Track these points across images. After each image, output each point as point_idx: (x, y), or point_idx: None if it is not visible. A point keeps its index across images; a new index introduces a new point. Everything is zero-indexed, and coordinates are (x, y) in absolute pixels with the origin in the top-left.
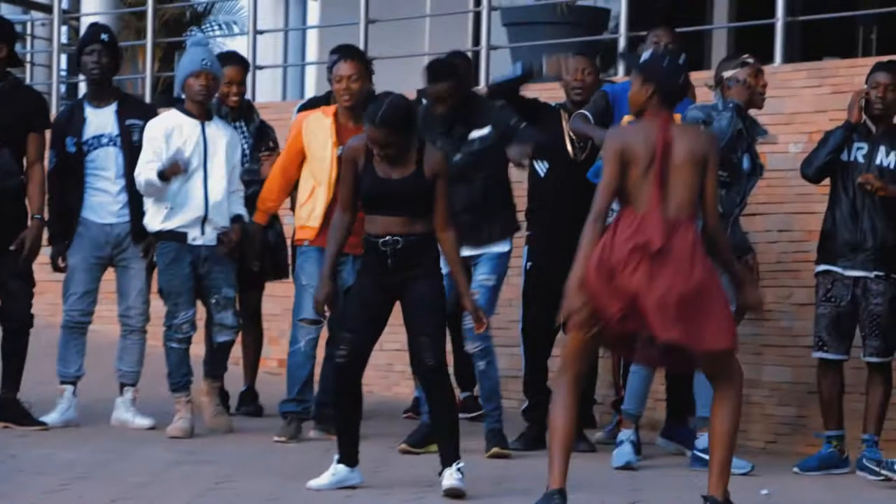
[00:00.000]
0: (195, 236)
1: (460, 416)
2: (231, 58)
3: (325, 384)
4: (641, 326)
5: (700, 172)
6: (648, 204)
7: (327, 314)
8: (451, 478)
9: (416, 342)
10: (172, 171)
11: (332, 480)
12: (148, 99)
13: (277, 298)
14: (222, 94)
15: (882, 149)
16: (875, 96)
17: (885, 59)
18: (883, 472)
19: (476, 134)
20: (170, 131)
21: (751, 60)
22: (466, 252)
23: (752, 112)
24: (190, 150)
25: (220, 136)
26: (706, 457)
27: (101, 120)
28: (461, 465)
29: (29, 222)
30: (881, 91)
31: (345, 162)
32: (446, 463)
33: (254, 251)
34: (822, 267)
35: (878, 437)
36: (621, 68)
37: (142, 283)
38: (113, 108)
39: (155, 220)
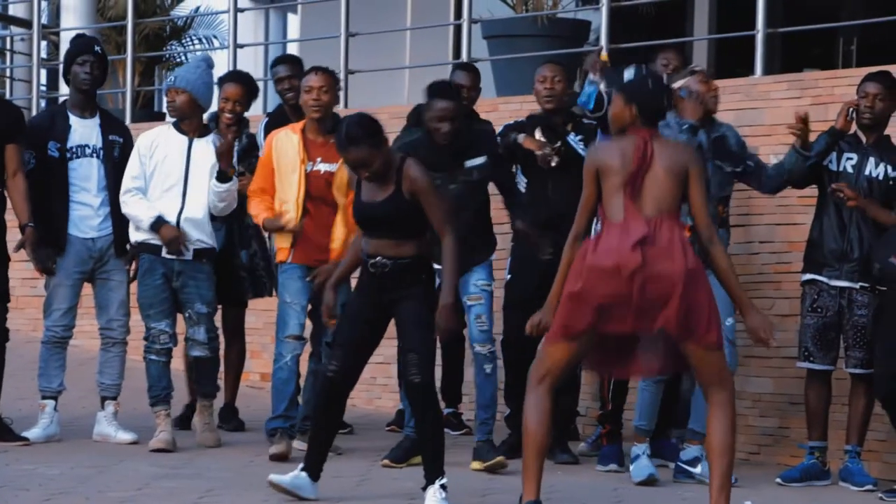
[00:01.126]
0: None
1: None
2: (231, 76)
3: (308, 397)
4: (631, 325)
5: (681, 184)
6: (625, 209)
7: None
8: (433, 497)
9: (404, 358)
10: (165, 235)
11: (292, 481)
12: (128, 114)
13: (259, 312)
14: (219, 110)
15: (871, 160)
16: (864, 106)
17: (873, 69)
18: None
19: (472, 163)
20: (155, 146)
21: (698, 68)
22: None
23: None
24: (170, 165)
25: (208, 154)
26: (691, 469)
27: (86, 130)
28: (444, 481)
29: (21, 233)
30: (870, 101)
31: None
32: (430, 479)
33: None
34: (808, 276)
35: (860, 448)
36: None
37: (122, 295)
38: (96, 120)
39: (133, 230)
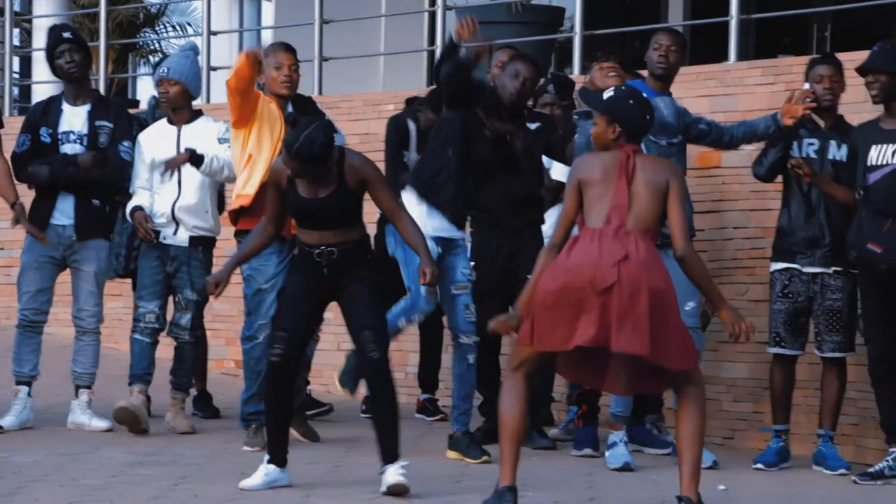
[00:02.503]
0: (166, 235)
1: (419, 417)
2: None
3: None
4: (598, 341)
5: (661, 199)
6: (605, 218)
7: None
8: (395, 474)
9: (358, 337)
10: (141, 229)
11: (265, 480)
12: None
13: (234, 300)
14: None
15: (833, 143)
16: (823, 89)
17: (848, 55)
18: None
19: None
20: (149, 142)
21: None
22: (446, 234)
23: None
24: (163, 157)
25: (195, 137)
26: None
27: (74, 117)
28: (404, 463)
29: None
30: (827, 83)
31: (269, 183)
32: (389, 460)
33: None
34: (781, 265)
35: (833, 433)
36: (577, 66)
37: (92, 284)
38: (87, 108)
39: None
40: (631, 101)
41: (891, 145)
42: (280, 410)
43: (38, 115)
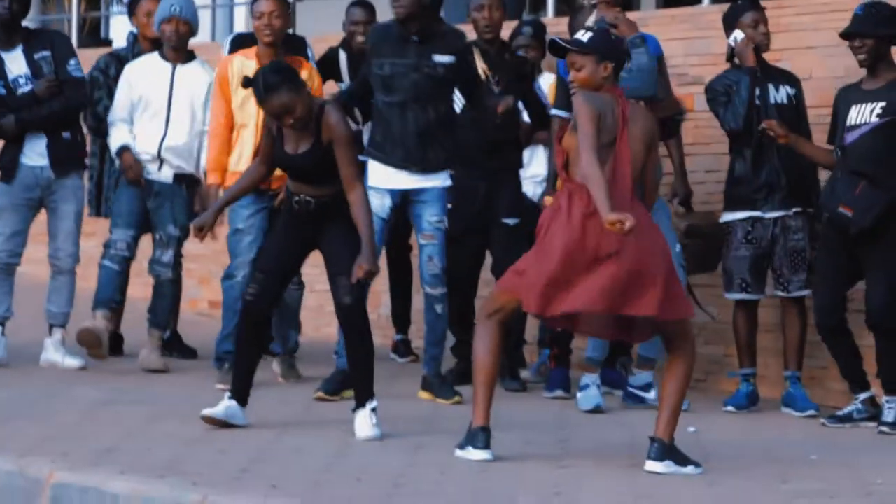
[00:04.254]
0: (150, 170)
1: (393, 357)
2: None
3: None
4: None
5: (646, 151)
6: (611, 176)
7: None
8: (367, 427)
9: (334, 282)
10: (130, 170)
11: (224, 411)
12: (74, 41)
13: (206, 241)
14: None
15: (770, 87)
16: (762, 35)
17: None
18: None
19: (440, 59)
20: (138, 75)
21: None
22: (412, 182)
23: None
24: (155, 93)
25: (190, 80)
26: (643, 394)
27: (14, 62)
28: (375, 405)
29: None
30: (765, 27)
31: (265, 128)
32: (360, 402)
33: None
34: (743, 213)
35: (800, 374)
36: (551, 9)
37: (71, 224)
38: (20, 48)
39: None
40: (613, 37)
41: (870, 104)
42: (249, 349)
43: None
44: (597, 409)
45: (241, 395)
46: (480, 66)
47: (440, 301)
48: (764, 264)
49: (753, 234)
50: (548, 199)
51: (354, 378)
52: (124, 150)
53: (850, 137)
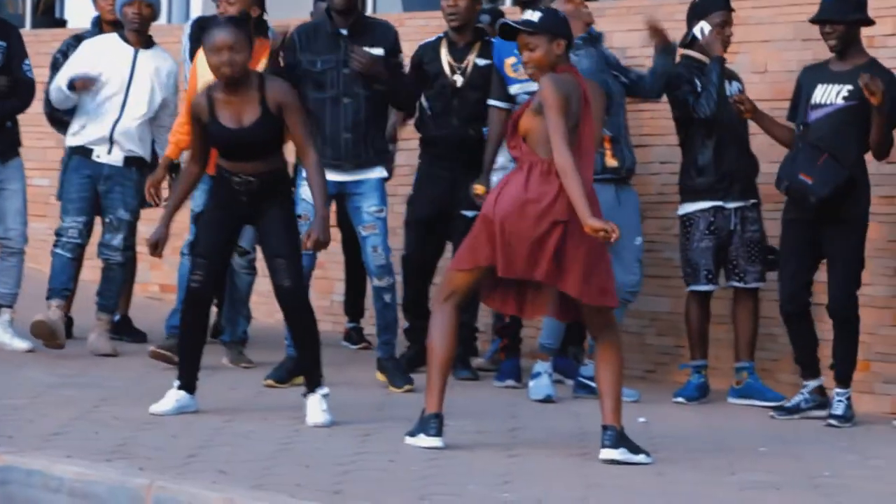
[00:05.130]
0: (99, 153)
1: (345, 345)
2: None
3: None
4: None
5: (599, 126)
6: (576, 160)
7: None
8: (318, 414)
9: (272, 264)
10: (82, 84)
11: (176, 406)
12: (28, 20)
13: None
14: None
15: (726, 82)
16: (727, 35)
17: None
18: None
19: (370, 52)
20: (99, 53)
21: None
22: (346, 177)
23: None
24: (114, 75)
25: (151, 66)
26: (592, 384)
27: None
28: (326, 391)
29: None
30: (731, 25)
31: (191, 119)
32: (311, 387)
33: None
34: (707, 204)
35: (754, 363)
36: None
37: (20, 203)
38: None
39: (69, 136)
40: (561, 15)
41: (836, 86)
42: (195, 335)
43: None
44: (547, 399)
45: (188, 382)
46: (446, 59)
47: (389, 291)
48: (721, 255)
49: (716, 224)
50: (479, 188)
51: (302, 362)
52: (75, 77)
53: (814, 115)
